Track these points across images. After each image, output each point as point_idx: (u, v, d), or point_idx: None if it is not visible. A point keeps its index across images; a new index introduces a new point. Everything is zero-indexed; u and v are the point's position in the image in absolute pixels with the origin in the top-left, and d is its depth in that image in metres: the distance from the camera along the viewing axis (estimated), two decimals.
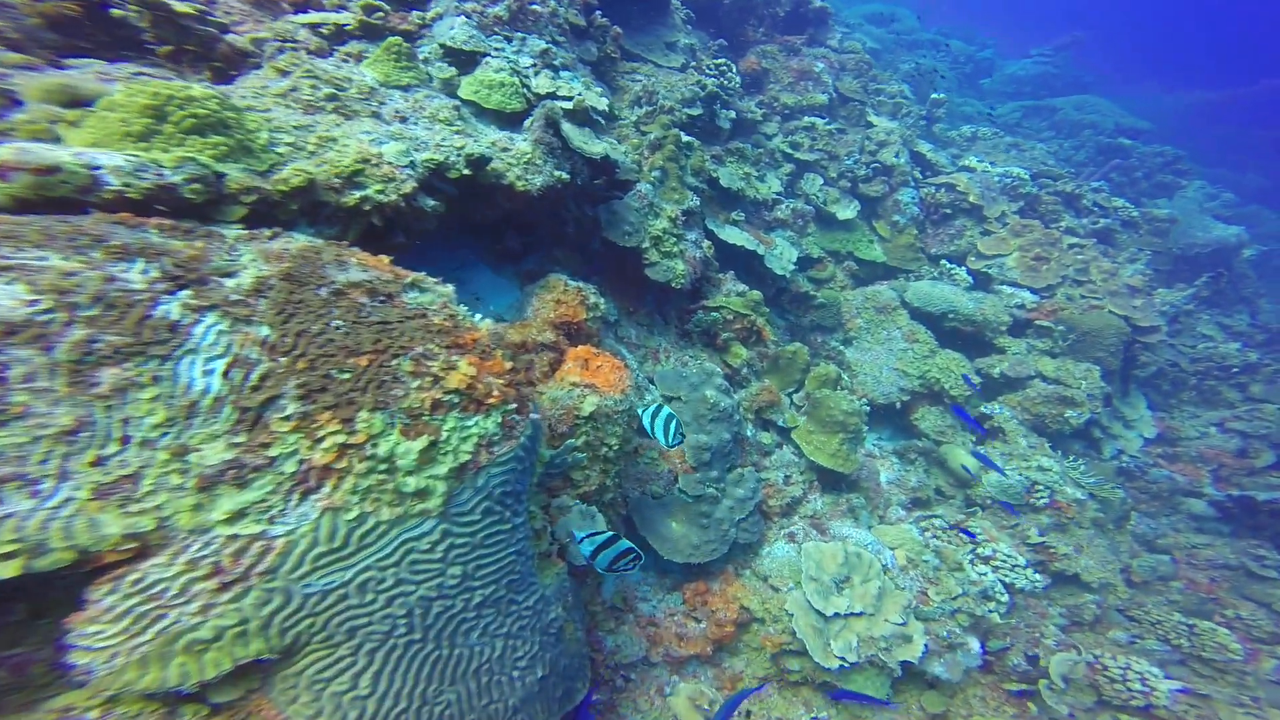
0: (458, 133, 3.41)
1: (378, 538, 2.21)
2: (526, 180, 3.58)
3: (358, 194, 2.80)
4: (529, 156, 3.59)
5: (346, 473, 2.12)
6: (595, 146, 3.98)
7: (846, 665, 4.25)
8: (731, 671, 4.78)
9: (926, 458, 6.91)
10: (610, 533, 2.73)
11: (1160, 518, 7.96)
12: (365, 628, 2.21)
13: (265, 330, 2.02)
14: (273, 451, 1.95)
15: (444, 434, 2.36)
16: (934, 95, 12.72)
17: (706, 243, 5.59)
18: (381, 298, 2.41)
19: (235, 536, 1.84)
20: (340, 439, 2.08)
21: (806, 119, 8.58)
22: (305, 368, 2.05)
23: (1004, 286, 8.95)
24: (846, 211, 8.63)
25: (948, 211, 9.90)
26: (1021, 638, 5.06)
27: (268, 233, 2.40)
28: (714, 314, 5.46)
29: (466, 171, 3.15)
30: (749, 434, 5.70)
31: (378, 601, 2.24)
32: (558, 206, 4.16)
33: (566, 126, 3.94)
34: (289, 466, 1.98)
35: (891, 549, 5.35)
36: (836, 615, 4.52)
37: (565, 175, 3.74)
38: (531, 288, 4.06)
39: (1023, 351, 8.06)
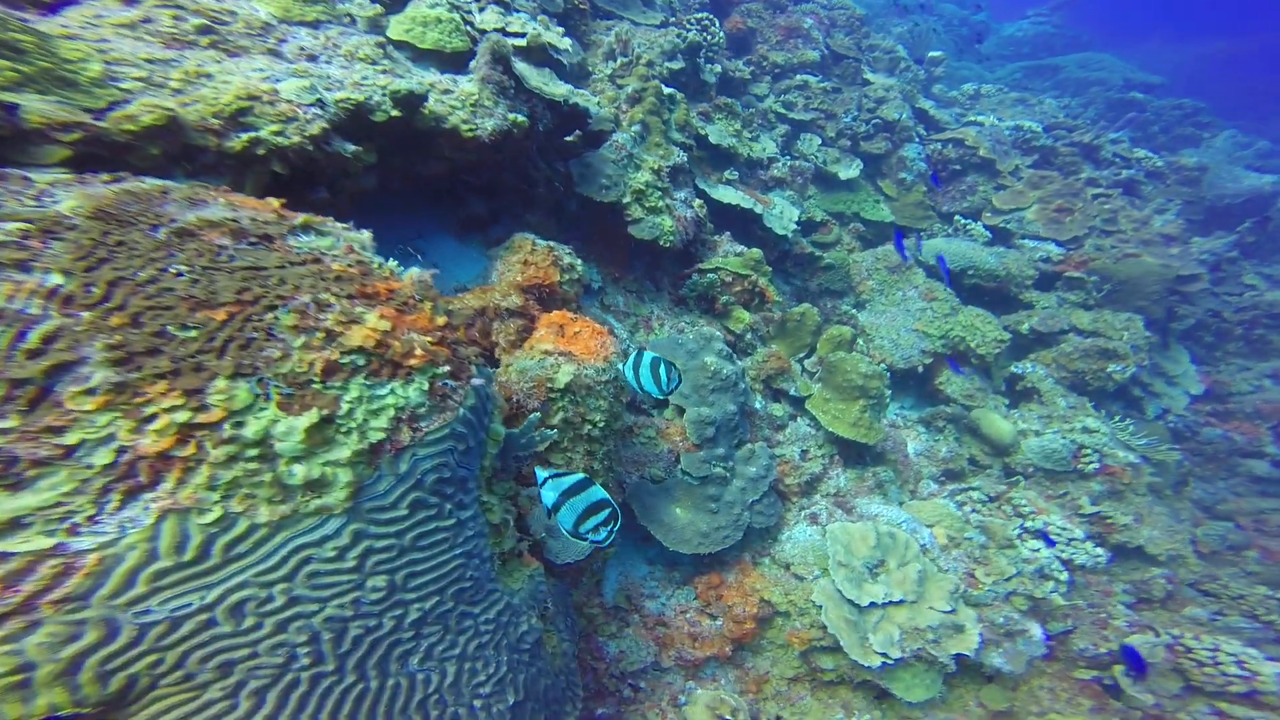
0: (384, 72, 2.80)
1: (254, 545, 1.60)
2: (474, 125, 2.96)
3: (246, 136, 2.20)
4: (475, 98, 2.97)
5: (197, 462, 1.51)
6: (557, 88, 3.34)
7: (890, 662, 3.56)
8: (756, 672, 4.12)
9: (956, 425, 6.14)
10: (581, 475, 2.03)
11: (1217, 481, 7.07)
12: (247, 662, 1.61)
13: (55, 279, 1.43)
14: (69, 438, 1.35)
15: (344, 407, 1.75)
16: (931, 54, 11.85)
17: (698, 201, 4.92)
18: (253, 240, 1.80)
19: (6, 556, 1.25)
20: (181, 417, 1.48)
21: (799, 77, 7.84)
22: (122, 324, 1.45)
23: (1025, 240, 8.11)
24: (849, 171, 7.87)
25: (957, 168, 9.07)
26: (1086, 619, 4.32)
27: (105, 177, 1.81)
28: (710, 276, 4.79)
29: (396, 113, 2.54)
30: (758, 406, 5.02)
31: (263, 627, 1.63)
32: (520, 160, 3.54)
33: (521, 65, 3.31)
34: (100, 458, 1.38)
35: (929, 526, 4.63)
36: (873, 605, 3.83)
37: (522, 118, 3.10)
38: (495, 251, 3.44)
39: (1053, 305, 7.23)
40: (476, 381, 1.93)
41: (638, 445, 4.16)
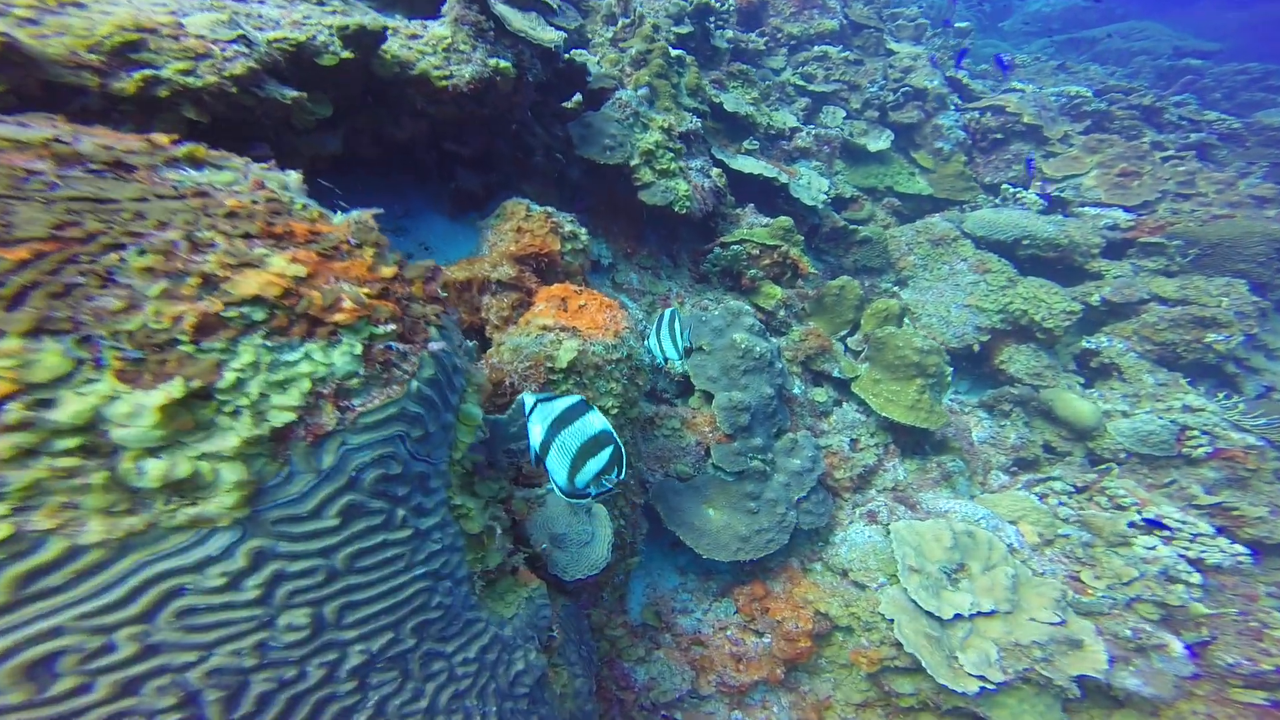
0: (333, 13, 2.33)
1: (77, 576, 1.07)
2: (448, 72, 2.45)
3: (140, 74, 1.73)
4: (448, 41, 2.46)
5: None
6: (546, 32, 2.82)
7: (991, 686, 2.79)
8: (815, 697, 3.40)
9: (1024, 408, 5.27)
10: (577, 399, 1.48)
11: None
12: None
13: None
14: None
15: (229, 376, 1.21)
16: (957, 24, 10.94)
17: (716, 170, 4.32)
18: (96, 168, 1.31)
19: None
20: None
21: (817, 48, 7.17)
22: None
23: (1086, 208, 7.13)
24: (878, 142, 7.11)
25: (999, 136, 8.16)
26: (1232, 629, 3.42)
27: None
28: (735, 249, 4.16)
29: (347, 54, 2.04)
30: (797, 390, 4.33)
31: (94, 689, 1.10)
32: (511, 121, 3.03)
33: (501, 7, 2.80)
34: None
35: (1011, 522, 3.83)
36: (958, 617, 3.07)
37: (505, 64, 2.58)
38: (485, 222, 2.92)
39: (1127, 274, 6.25)
40: (435, 346, 1.36)
41: (660, 438, 3.55)
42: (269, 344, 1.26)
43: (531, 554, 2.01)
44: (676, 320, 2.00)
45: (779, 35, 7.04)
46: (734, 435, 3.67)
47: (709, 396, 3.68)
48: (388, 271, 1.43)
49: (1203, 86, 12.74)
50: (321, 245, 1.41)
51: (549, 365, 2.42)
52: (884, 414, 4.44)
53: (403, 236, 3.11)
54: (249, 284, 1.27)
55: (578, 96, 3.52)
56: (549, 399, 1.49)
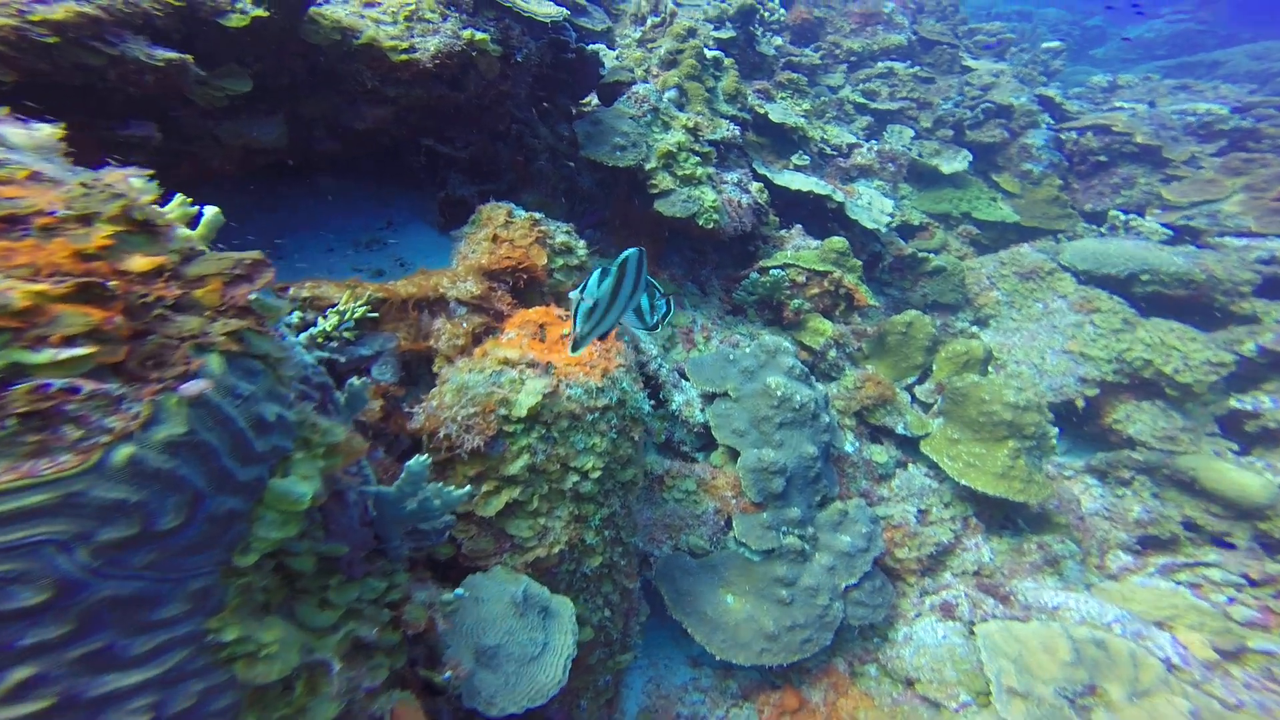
0: None
1: None
2: (409, 45, 2.04)
3: None
4: (412, 8, 2.07)
5: None
6: (545, 6, 2.39)
7: None
8: None
9: (1151, 476, 4.16)
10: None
11: None
12: None
13: None
14: None
15: None
16: (1046, 44, 10.01)
17: (757, 185, 3.73)
18: None
19: None
20: None
21: (881, 64, 6.54)
22: None
23: (1226, 238, 5.94)
24: (954, 163, 6.31)
25: (1102, 159, 7.12)
26: None
27: None
28: (775, 274, 3.51)
29: (260, 12, 1.65)
30: (849, 448, 3.54)
31: None
32: (497, 110, 2.60)
33: None
34: None
35: (1160, 625, 2.85)
36: None
37: (484, 37, 2.16)
38: (460, 230, 2.46)
39: None
40: (194, 387, 0.82)
41: (670, 502, 2.87)
42: None
43: (432, 680, 1.40)
44: (632, 264, 1.38)
45: (837, 51, 6.49)
46: (763, 504, 2.94)
47: (734, 454, 2.99)
48: (145, 264, 0.89)
49: None
50: None
51: (502, 413, 1.85)
52: (964, 482, 3.55)
53: (377, 251, 2.70)
54: None
55: (594, 99, 3.07)
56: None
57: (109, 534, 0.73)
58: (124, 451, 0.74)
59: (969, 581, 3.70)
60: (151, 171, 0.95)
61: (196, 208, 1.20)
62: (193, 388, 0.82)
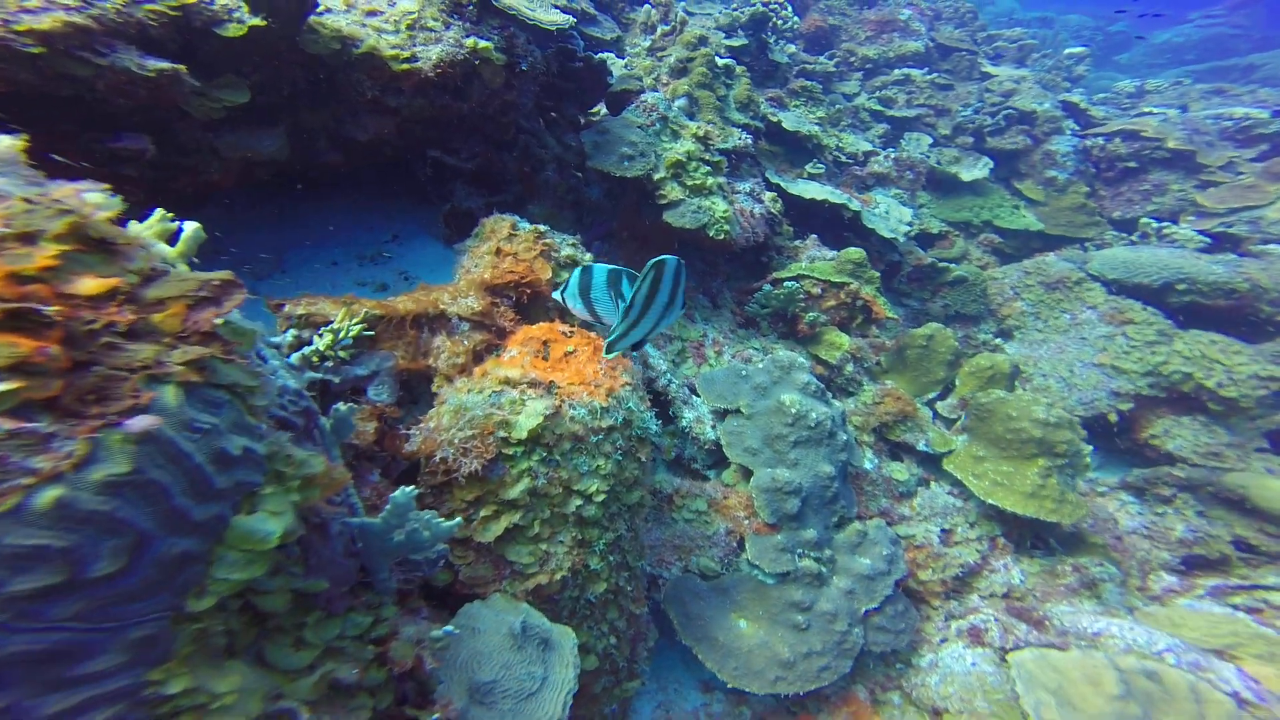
0: None
1: None
2: (411, 54, 2.01)
3: None
4: (415, 17, 2.04)
5: None
6: (547, 13, 2.35)
7: None
8: None
9: (1195, 494, 3.92)
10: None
11: None
12: None
13: None
14: None
15: None
16: (1069, 49, 9.76)
17: (770, 194, 3.64)
18: None
19: None
20: None
21: (898, 71, 6.42)
22: None
23: (1271, 245, 5.66)
24: (974, 171, 6.14)
25: (1131, 165, 6.87)
26: None
27: None
28: (790, 285, 3.40)
29: (257, 22, 1.62)
30: (868, 466, 3.39)
31: None
32: (501, 120, 2.54)
33: None
34: None
35: (1220, 654, 2.64)
36: None
37: (487, 45, 2.12)
38: (463, 244, 2.41)
39: None
40: (139, 424, 0.75)
41: (679, 522, 2.76)
42: None
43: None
44: (624, 279, 1.34)
45: (852, 59, 6.39)
46: (778, 525, 2.81)
47: (747, 472, 2.87)
48: (92, 287, 0.82)
49: None
50: None
51: (501, 435, 1.77)
52: (990, 501, 3.37)
53: (382, 264, 2.67)
54: None
55: (602, 109, 3.02)
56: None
57: (22, 584, 0.66)
58: (49, 494, 0.67)
59: (998, 605, 3.52)
60: (109, 185, 0.89)
61: (176, 224, 1.15)
62: (139, 423, 0.75)
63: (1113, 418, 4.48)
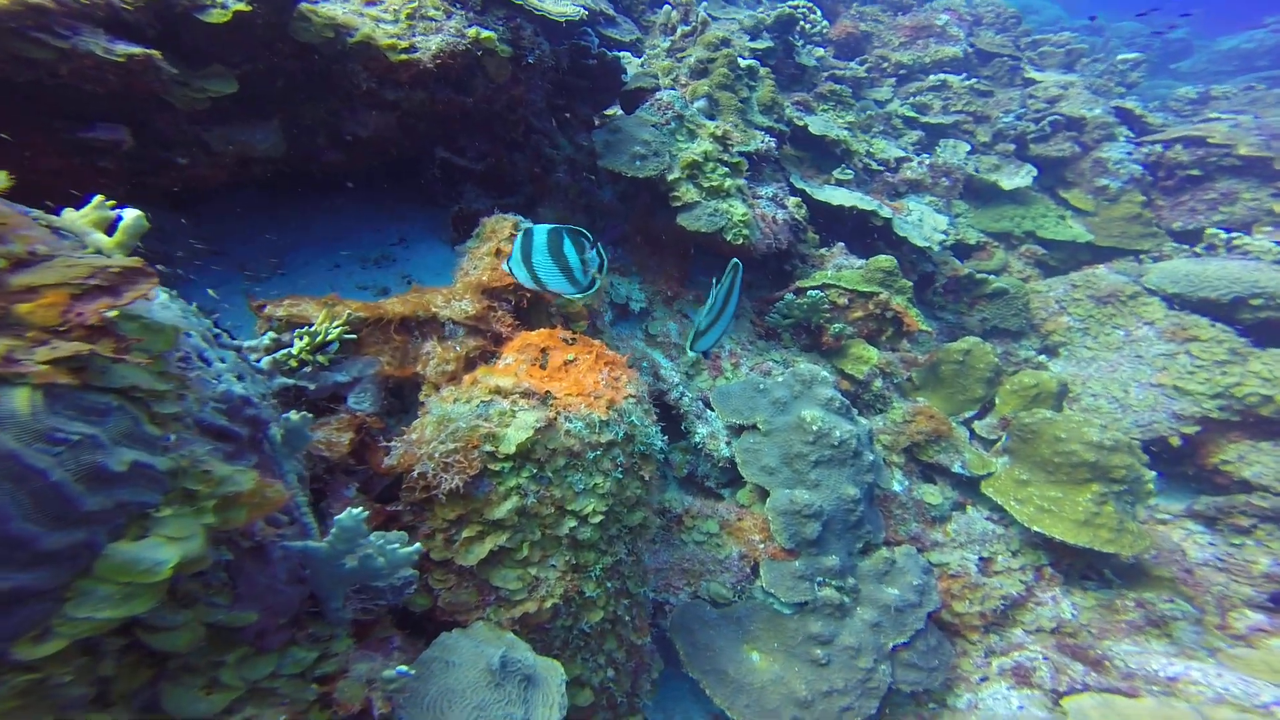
0: None
1: None
2: (409, 44, 1.90)
3: None
4: (414, 6, 1.94)
5: None
6: (561, 5, 2.22)
7: None
8: None
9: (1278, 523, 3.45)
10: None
11: None
12: None
13: None
14: None
15: None
16: (1123, 55, 9.16)
17: (794, 200, 3.42)
18: None
19: None
20: None
21: (934, 77, 6.09)
22: None
23: None
24: (1015, 179, 5.74)
25: (1195, 173, 6.31)
26: None
27: None
28: (813, 295, 3.15)
29: (241, 7, 1.52)
30: (897, 487, 3.09)
31: None
32: (509, 117, 2.42)
33: None
34: None
35: None
36: None
37: (490, 35, 2.00)
38: (464, 245, 2.28)
39: None
40: None
41: (689, 544, 2.54)
42: None
43: None
44: (566, 240, 1.25)
45: (884, 65, 6.10)
46: (796, 550, 2.55)
47: (764, 492, 2.62)
48: None
49: None
50: None
51: (487, 449, 1.61)
52: (1036, 528, 3.02)
53: (386, 267, 2.58)
54: None
55: (617, 109, 2.87)
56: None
57: None
58: None
59: (1047, 641, 3.16)
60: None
61: (115, 212, 1.03)
62: None
63: (1175, 441, 4.02)
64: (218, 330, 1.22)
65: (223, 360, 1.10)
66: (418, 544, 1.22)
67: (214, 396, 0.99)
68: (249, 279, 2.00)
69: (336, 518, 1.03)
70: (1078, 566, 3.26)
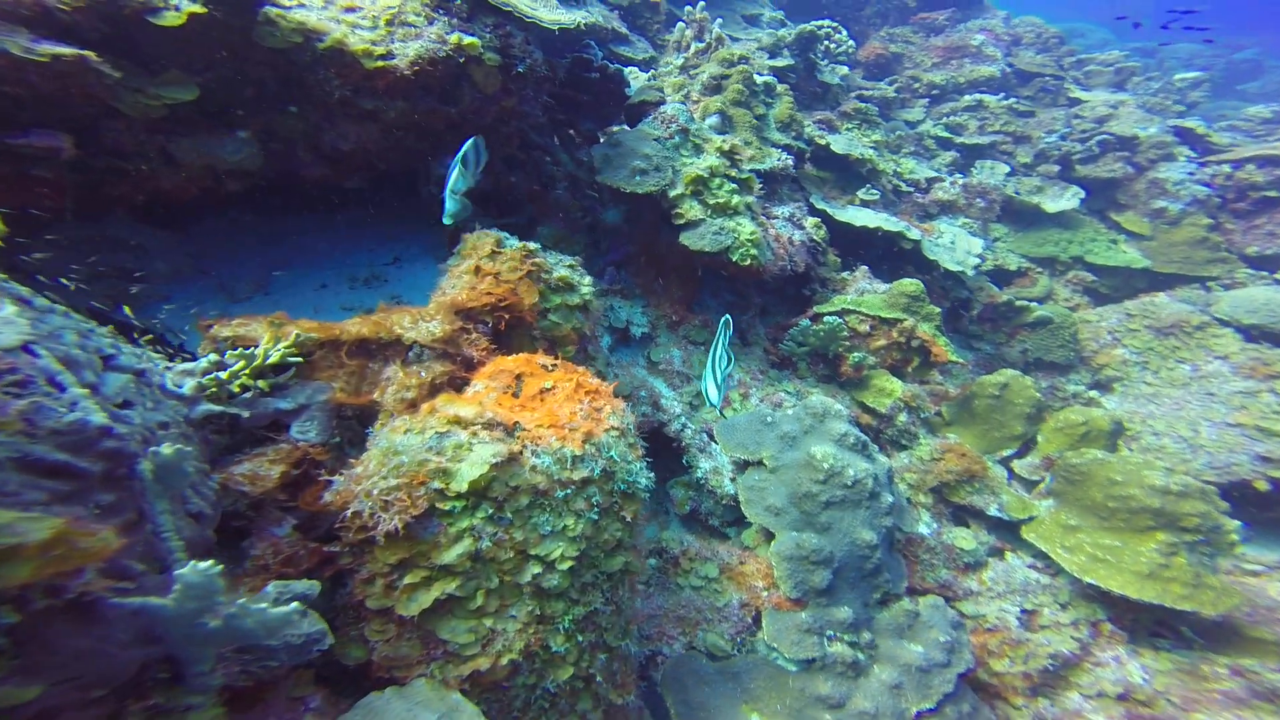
0: None
1: None
2: (386, 50, 1.78)
3: None
4: (395, 12, 1.82)
5: None
6: (555, 13, 2.08)
7: None
8: None
9: None
10: None
11: None
12: None
13: None
14: None
15: None
16: (1182, 75, 8.46)
17: (813, 220, 3.15)
18: None
19: None
20: None
21: (969, 97, 5.71)
22: None
23: None
24: (1060, 201, 5.26)
25: (1271, 194, 5.65)
26: None
27: None
28: (830, 320, 2.84)
29: (196, 9, 1.42)
30: (923, 529, 2.70)
31: None
32: (502, 130, 2.26)
33: None
34: None
35: None
36: None
37: (473, 41, 1.87)
38: (446, 263, 2.12)
39: None
40: None
41: (685, 590, 2.24)
42: None
43: None
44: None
45: (916, 85, 5.77)
46: (803, 600, 2.22)
47: (770, 534, 2.31)
48: None
49: None
50: None
51: (436, 486, 1.40)
52: (1089, 579, 2.55)
53: (375, 288, 2.45)
54: None
55: (623, 125, 2.70)
56: None
57: None
58: None
59: (1114, 710, 2.68)
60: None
61: None
62: None
63: (1262, 486, 3.44)
64: (119, 348, 1.06)
65: (99, 384, 0.93)
66: (295, 604, 1.01)
67: (56, 427, 0.82)
68: (226, 297, 1.89)
69: (178, 572, 0.83)
70: (1144, 623, 2.75)
